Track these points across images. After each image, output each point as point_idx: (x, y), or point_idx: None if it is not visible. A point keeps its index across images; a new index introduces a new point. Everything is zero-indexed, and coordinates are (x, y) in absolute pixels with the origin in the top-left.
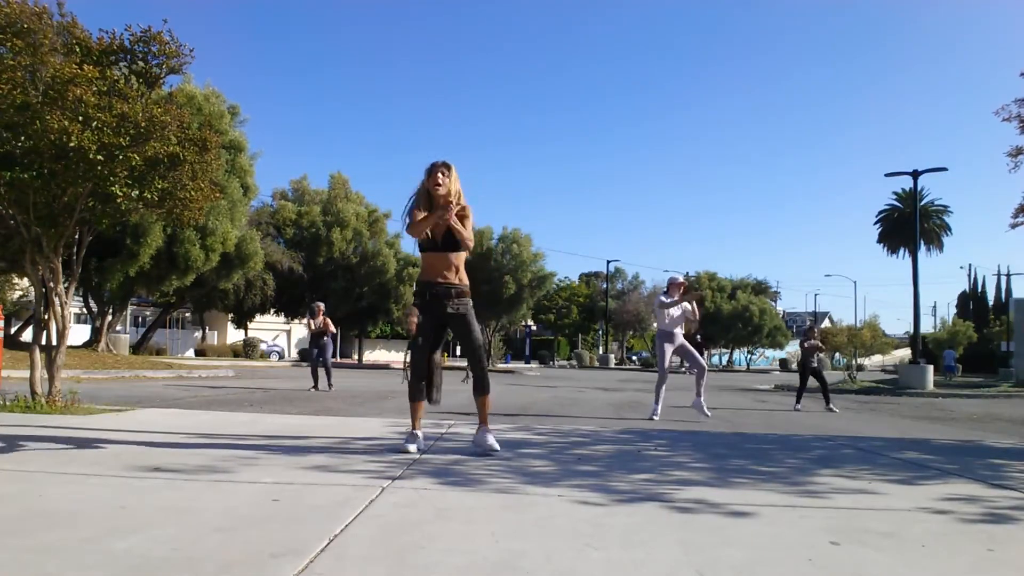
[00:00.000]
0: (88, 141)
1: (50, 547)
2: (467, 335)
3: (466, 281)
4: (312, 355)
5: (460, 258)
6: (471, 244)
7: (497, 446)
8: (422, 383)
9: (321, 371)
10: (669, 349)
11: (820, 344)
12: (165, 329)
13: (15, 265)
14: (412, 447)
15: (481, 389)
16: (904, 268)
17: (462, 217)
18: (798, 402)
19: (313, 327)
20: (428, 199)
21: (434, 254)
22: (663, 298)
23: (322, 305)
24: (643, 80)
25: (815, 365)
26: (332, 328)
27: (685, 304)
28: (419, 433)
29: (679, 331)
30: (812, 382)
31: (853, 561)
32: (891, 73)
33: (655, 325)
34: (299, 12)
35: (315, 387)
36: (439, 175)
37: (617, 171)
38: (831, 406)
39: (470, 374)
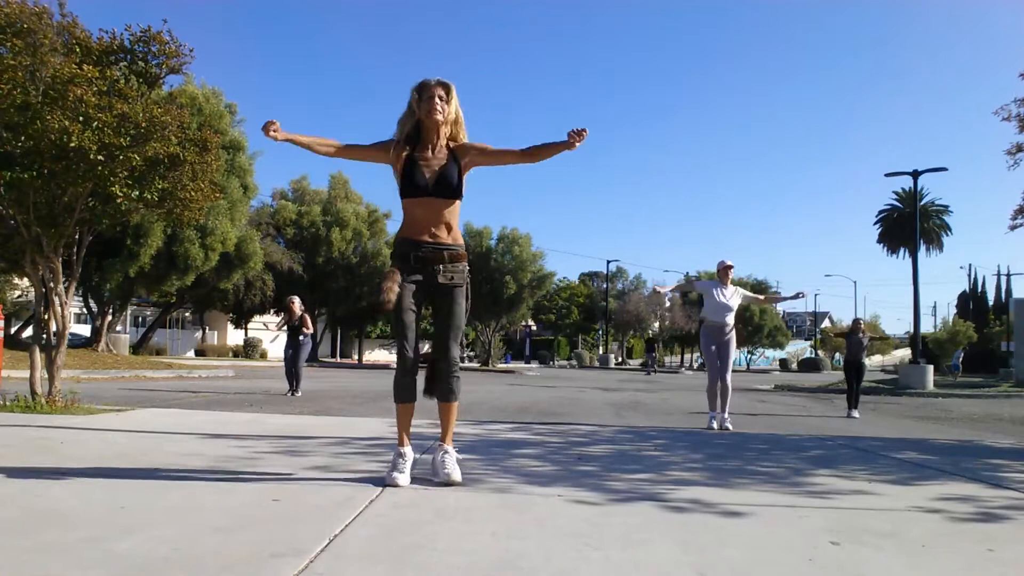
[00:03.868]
0: (88, 141)
1: (51, 547)
2: (450, 312)
3: (461, 240)
4: (286, 355)
5: (455, 210)
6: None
7: (459, 477)
8: (414, 376)
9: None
10: (713, 348)
11: (868, 336)
12: (165, 329)
13: (15, 265)
14: (401, 477)
15: (449, 393)
16: (904, 268)
17: (462, 149)
18: (854, 407)
19: (290, 321)
20: (416, 129)
21: (422, 201)
22: (698, 283)
23: (297, 299)
24: (643, 80)
25: (863, 361)
26: (309, 326)
27: (739, 290)
28: (408, 451)
29: (726, 326)
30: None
31: (853, 561)
32: (891, 73)
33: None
34: (299, 12)
35: (292, 391)
36: (436, 100)
37: (617, 171)
38: (855, 411)
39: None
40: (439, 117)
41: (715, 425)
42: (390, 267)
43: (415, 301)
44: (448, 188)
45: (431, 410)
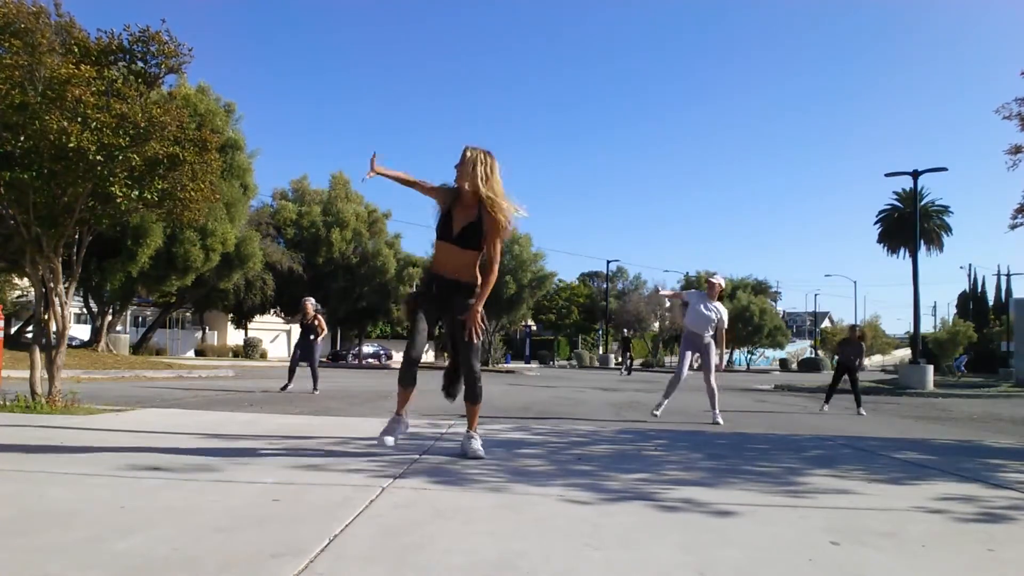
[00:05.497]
0: (87, 141)
1: (50, 547)
2: (467, 336)
3: (477, 279)
4: (295, 353)
5: (475, 257)
6: (496, 267)
7: (482, 452)
8: (415, 368)
9: (306, 372)
10: (688, 353)
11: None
12: (165, 329)
13: (15, 265)
14: (389, 439)
15: (472, 397)
16: (904, 268)
17: (494, 223)
18: (827, 403)
19: (305, 321)
20: (454, 191)
21: (448, 245)
22: (687, 295)
23: (312, 300)
24: (643, 80)
25: (857, 364)
26: (325, 329)
27: (718, 308)
28: (403, 418)
29: (705, 334)
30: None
31: (853, 561)
32: (891, 73)
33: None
34: (300, 11)
35: (288, 387)
36: (468, 168)
37: (617, 171)
38: (861, 409)
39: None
40: (466, 184)
41: (658, 414)
42: (413, 291)
43: (429, 314)
44: (468, 240)
45: (430, 411)
